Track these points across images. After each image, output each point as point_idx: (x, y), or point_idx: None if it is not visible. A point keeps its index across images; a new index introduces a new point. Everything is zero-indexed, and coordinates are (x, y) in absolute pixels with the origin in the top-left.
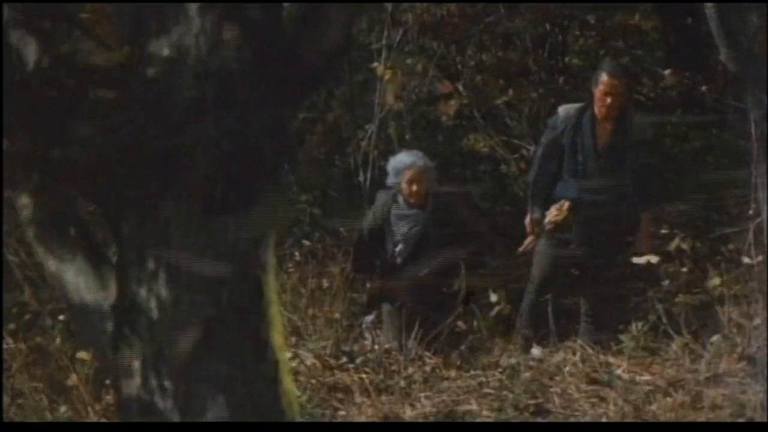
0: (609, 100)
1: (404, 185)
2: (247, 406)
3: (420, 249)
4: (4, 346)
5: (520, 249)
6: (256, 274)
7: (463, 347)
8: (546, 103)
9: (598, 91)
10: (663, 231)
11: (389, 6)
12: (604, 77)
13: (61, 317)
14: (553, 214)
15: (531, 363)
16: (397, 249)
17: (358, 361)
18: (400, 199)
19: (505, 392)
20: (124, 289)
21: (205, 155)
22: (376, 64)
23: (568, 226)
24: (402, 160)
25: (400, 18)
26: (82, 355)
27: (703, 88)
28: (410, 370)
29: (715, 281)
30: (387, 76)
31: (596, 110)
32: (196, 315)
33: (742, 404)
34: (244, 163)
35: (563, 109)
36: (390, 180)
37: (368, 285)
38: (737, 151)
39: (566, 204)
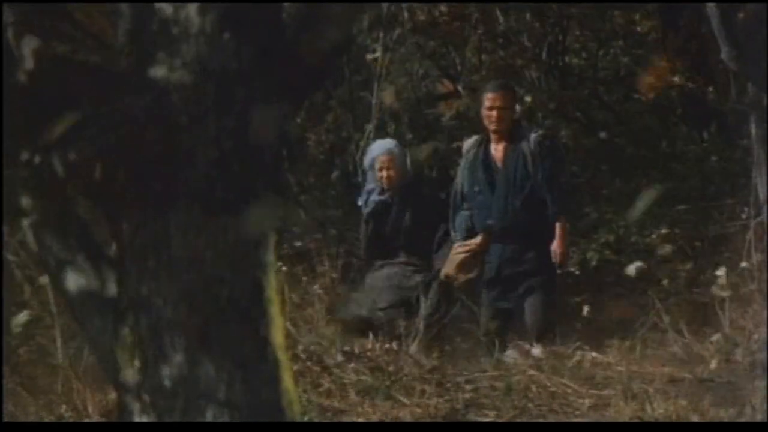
0: (495, 113)
1: (377, 172)
2: (248, 405)
3: (398, 234)
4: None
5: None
6: (256, 274)
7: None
8: (545, 104)
9: (484, 109)
10: (663, 231)
11: (384, 6)
12: (487, 95)
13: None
14: (465, 248)
15: (531, 362)
16: (387, 235)
17: (357, 361)
18: (377, 187)
19: (504, 391)
20: (125, 288)
21: (205, 155)
22: (372, 55)
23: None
24: (373, 148)
25: (397, 17)
26: (82, 354)
27: (710, 89)
28: (407, 369)
29: (715, 281)
30: (377, 54)
31: (489, 132)
32: (196, 315)
33: (742, 404)
34: (244, 163)
35: (465, 143)
36: (365, 167)
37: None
38: (737, 151)
39: (478, 238)
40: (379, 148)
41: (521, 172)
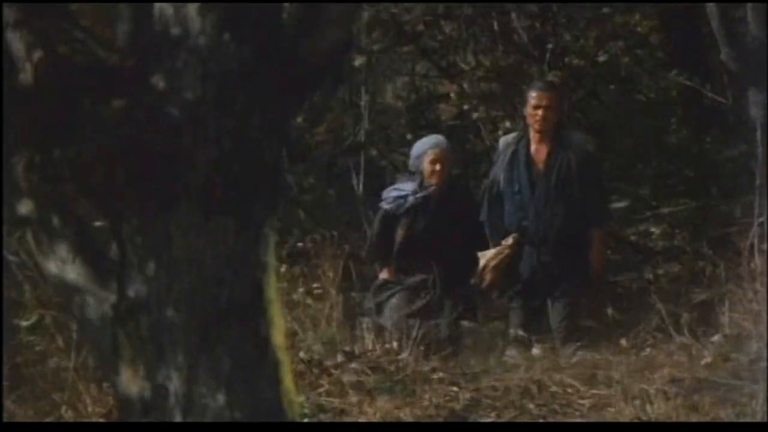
0: (540, 112)
1: (427, 165)
2: (248, 405)
3: (434, 235)
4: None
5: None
6: (256, 274)
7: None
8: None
9: (529, 107)
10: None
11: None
12: (532, 93)
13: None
14: (497, 252)
15: (531, 362)
16: (415, 235)
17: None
18: (416, 186)
19: (505, 392)
20: (125, 289)
21: (205, 155)
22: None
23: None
24: (425, 141)
25: (398, 17)
26: (83, 355)
27: (709, 89)
28: (409, 370)
29: (715, 281)
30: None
31: (531, 130)
32: (196, 315)
33: (742, 404)
34: (244, 163)
35: (503, 140)
36: (411, 163)
37: (381, 275)
38: (738, 152)
39: (510, 239)
40: (430, 142)
41: (564, 177)
